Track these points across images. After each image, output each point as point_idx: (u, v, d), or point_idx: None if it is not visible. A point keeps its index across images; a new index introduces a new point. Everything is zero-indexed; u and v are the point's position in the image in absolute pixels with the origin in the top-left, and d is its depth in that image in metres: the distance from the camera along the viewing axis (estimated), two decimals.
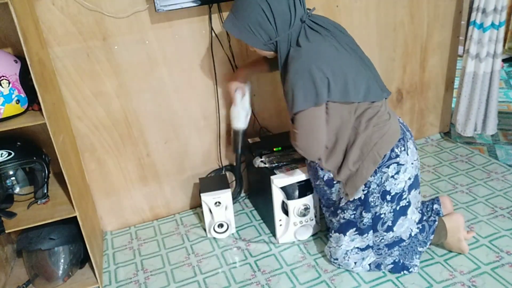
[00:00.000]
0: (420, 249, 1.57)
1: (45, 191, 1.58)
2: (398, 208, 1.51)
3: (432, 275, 1.55)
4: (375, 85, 1.45)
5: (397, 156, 1.44)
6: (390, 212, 1.50)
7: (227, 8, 1.78)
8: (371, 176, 1.44)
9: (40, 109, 1.36)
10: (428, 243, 1.58)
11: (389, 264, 1.57)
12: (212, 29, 1.80)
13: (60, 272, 1.63)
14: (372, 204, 1.48)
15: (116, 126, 1.82)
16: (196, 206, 2.13)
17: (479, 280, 1.51)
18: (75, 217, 1.51)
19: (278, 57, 1.42)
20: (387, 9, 2.10)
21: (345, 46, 1.41)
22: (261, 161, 1.80)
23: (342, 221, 1.54)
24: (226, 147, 2.06)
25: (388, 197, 1.47)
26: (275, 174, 1.70)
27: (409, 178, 1.50)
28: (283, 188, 1.68)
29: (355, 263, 1.58)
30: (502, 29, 2.11)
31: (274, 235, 1.84)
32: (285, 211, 1.74)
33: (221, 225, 1.85)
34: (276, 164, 1.76)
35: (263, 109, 2.04)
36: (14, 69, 1.37)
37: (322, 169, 1.52)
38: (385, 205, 1.49)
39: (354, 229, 1.53)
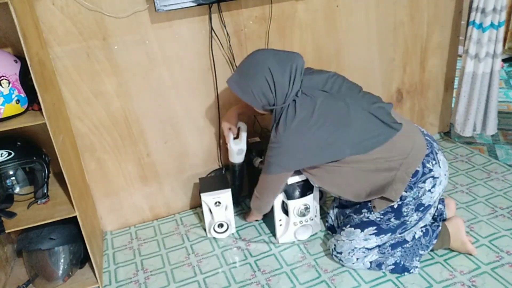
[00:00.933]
0: (421, 252, 1.57)
1: (45, 191, 1.58)
2: (423, 217, 1.52)
3: (432, 275, 1.55)
4: (383, 128, 1.45)
5: (431, 170, 1.44)
6: (415, 220, 1.51)
7: (227, 8, 1.79)
8: (406, 192, 1.43)
9: (40, 109, 1.36)
10: (430, 247, 1.58)
11: (390, 265, 1.57)
12: (212, 29, 1.80)
13: (60, 272, 1.63)
14: (405, 214, 1.48)
15: (116, 126, 1.82)
16: (196, 206, 2.13)
17: (479, 280, 1.51)
18: (75, 217, 1.51)
19: (272, 118, 1.52)
20: (387, 9, 2.10)
21: (341, 105, 1.45)
22: (261, 161, 1.80)
23: (365, 219, 1.53)
24: (226, 147, 2.06)
25: (421, 208, 1.48)
26: None
27: (443, 190, 1.50)
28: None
29: (357, 259, 1.57)
30: (502, 29, 2.11)
31: (274, 235, 1.84)
32: (285, 211, 1.74)
33: (221, 225, 1.85)
34: None
35: None
36: (14, 69, 1.37)
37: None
38: (415, 214, 1.49)
39: (374, 227, 1.52)
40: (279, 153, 1.48)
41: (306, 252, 1.74)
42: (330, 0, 1.96)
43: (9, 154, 1.47)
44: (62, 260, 1.63)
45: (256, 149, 1.87)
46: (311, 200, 1.72)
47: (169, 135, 1.93)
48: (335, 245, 1.61)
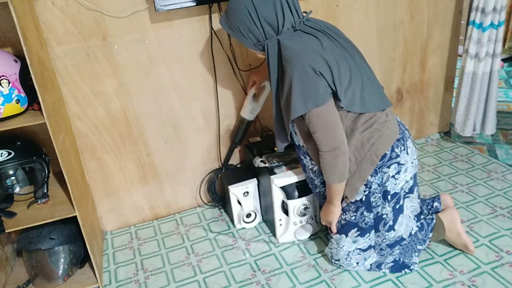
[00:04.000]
0: (419, 247, 1.57)
1: (45, 191, 1.58)
2: (397, 206, 1.51)
3: (432, 275, 1.55)
4: (376, 96, 1.43)
5: (398, 156, 1.43)
6: (391, 212, 1.50)
7: None
8: (371, 177, 1.43)
9: (40, 109, 1.36)
10: (427, 241, 1.58)
11: (389, 263, 1.57)
12: (212, 28, 1.79)
13: (60, 271, 1.63)
14: (374, 204, 1.48)
15: (116, 126, 1.82)
16: (196, 205, 2.13)
17: (479, 279, 1.51)
18: (75, 216, 1.51)
19: (266, 58, 1.42)
20: (387, 8, 2.10)
21: (346, 55, 1.38)
22: (261, 161, 1.80)
23: (343, 222, 1.54)
24: (226, 147, 2.06)
25: (389, 197, 1.48)
26: (275, 173, 1.70)
27: (411, 178, 1.50)
28: (283, 188, 1.68)
29: (357, 263, 1.58)
30: (501, 29, 2.11)
31: (274, 234, 1.84)
32: (285, 211, 1.74)
33: (249, 215, 1.88)
34: (276, 164, 1.76)
35: (263, 109, 2.04)
36: (14, 69, 1.37)
37: (321, 175, 1.52)
38: (387, 205, 1.48)
39: (356, 229, 1.52)
40: (307, 80, 1.29)
41: (306, 251, 1.74)
42: (330, 0, 1.96)
43: (9, 153, 1.47)
44: (62, 260, 1.63)
45: (256, 149, 1.87)
46: (311, 200, 1.72)
47: (169, 135, 1.93)
48: (331, 253, 1.62)
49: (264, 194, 1.84)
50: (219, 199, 2.07)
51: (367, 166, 1.42)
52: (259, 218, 1.92)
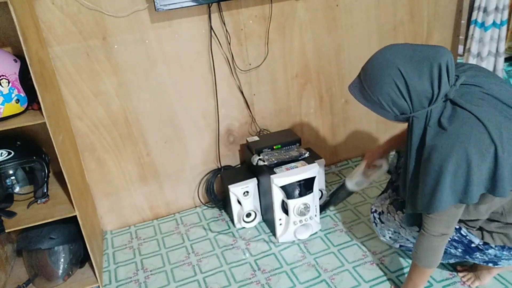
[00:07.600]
0: None
1: (45, 191, 1.58)
2: (472, 256, 1.37)
3: (432, 275, 1.55)
4: None
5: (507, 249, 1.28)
6: (460, 254, 1.39)
7: (227, 7, 1.79)
8: (493, 246, 1.28)
9: (40, 109, 1.36)
10: None
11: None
12: (211, 28, 1.80)
13: (60, 271, 1.63)
14: (473, 256, 1.35)
15: (116, 125, 1.82)
16: (196, 205, 2.13)
17: None
18: (75, 216, 1.51)
19: (408, 132, 1.21)
20: (387, 8, 2.09)
21: (507, 129, 1.11)
22: (260, 159, 1.79)
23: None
24: (225, 147, 2.06)
25: (467, 248, 1.34)
26: (275, 173, 1.70)
27: (486, 263, 1.37)
28: (283, 187, 1.68)
29: (390, 237, 1.52)
30: (504, 28, 2.10)
31: (274, 234, 1.84)
32: (285, 210, 1.74)
33: (249, 215, 1.89)
34: (274, 162, 1.76)
35: (263, 109, 2.04)
36: (14, 69, 1.37)
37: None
38: (475, 256, 1.36)
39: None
40: (462, 173, 1.09)
41: (306, 251, 1.74)
42: (330, 0, 1.96)
43: (9, 153, 1.47)
44: (62, 260, 1.63)
45: (255, 148, 1.87)
46: (311, 199, 1.72)
47: (169, 134, 1.93)
48: (382, 210, 1.49)
49: (264, 194, 1.84)
50: (217, 200, 2.07)
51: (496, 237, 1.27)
52: (259, 217, 1.92)
